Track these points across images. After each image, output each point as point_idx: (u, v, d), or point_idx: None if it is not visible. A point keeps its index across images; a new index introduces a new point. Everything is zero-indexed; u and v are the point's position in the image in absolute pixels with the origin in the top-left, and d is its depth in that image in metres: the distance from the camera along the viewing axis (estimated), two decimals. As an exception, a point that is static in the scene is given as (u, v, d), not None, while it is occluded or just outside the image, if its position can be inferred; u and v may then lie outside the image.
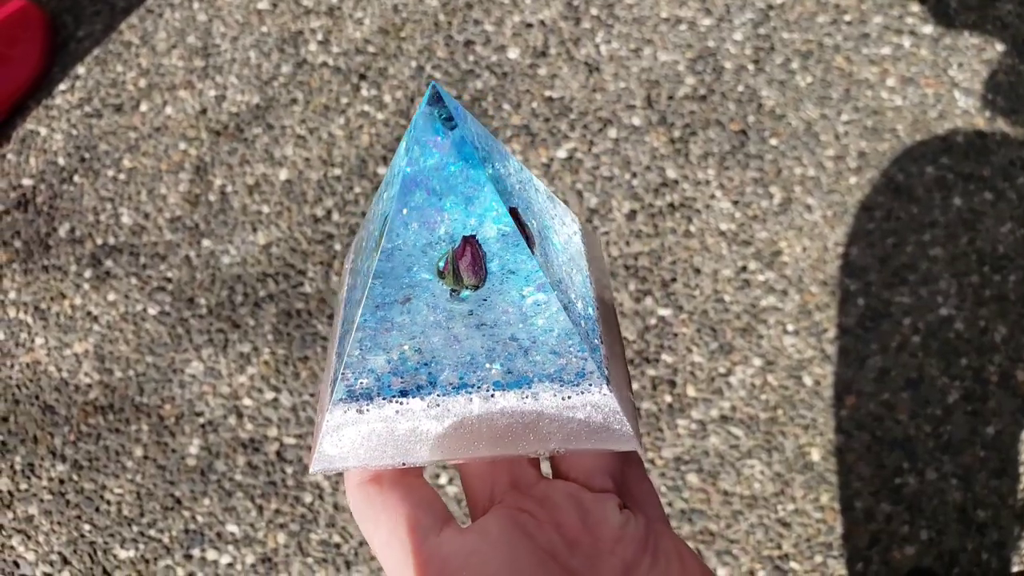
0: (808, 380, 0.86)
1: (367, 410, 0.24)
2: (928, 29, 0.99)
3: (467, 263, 0.24)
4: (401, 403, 0.24)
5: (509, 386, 0.25)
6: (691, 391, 0.86)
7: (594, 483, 0.25)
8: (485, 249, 0.24)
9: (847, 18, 1.00)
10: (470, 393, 0.25)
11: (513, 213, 0.24)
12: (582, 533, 0.24)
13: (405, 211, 0.23)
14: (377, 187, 0.95)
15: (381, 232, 0.23)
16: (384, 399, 0.24)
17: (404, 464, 0.25)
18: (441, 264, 0.24)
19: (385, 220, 0.23)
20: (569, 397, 0.25)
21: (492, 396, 0.25)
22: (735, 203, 0.93)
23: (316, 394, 0.88)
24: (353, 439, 0.24)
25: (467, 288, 0.24)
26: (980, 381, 0.85)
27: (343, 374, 0.24)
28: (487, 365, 0.25)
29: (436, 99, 0.22)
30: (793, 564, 0.80)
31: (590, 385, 0.25)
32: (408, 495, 0.25)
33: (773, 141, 0.95)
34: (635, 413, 0.26)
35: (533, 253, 0.24)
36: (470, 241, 0.24)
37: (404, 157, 0.23)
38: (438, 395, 0.24)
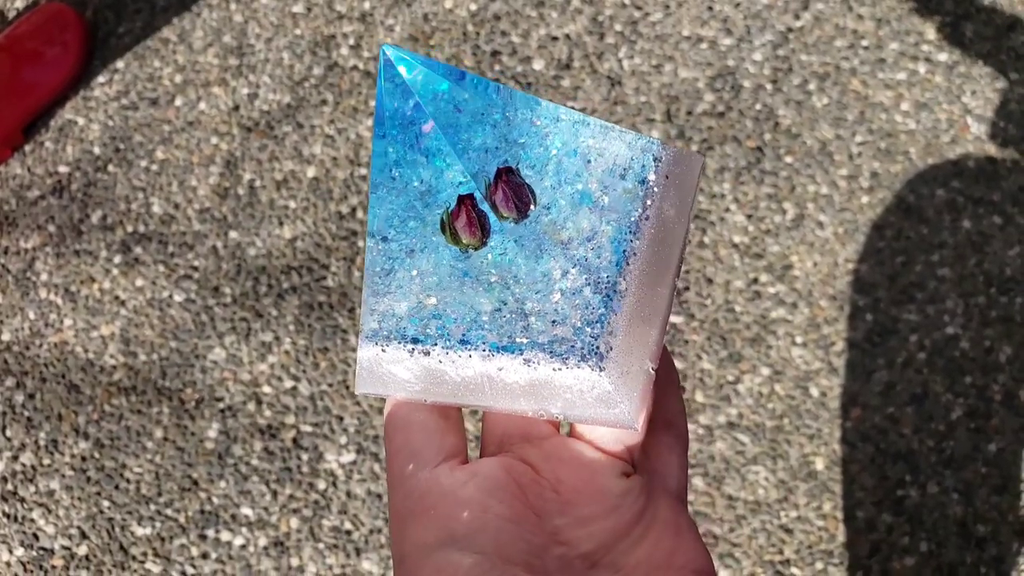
0: (815, 391, 0.88)
1: (387, 350, 0.25)
2: (943, 56, 1.02)
3: (463, 223, 0.24)
4: (412, 349, 0.25)
5: (504, 349, 0.25)
6: (699, 397, 0.88)
7: (607, 447, 0.25)
8: (485, 208, 0.24)
9: (864, 43, 1.03)
10: (470, 350, 0.25)
11: (504, 173, 0.24)
12: (578, 495, 0.24)
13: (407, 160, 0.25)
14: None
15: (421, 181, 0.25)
16: (400, 343, 0.25)
17: (425, 402, 0.25)
18: (443, 219, 0.24)
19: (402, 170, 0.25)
20: (559, 369, 0.24)
21: (490, 356, 0.25)
22: (749, 217, 0.95)
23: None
24: (380, 372, 0.26)
25: (468, 247, 0.25)
26: (984, 399, 0.87)
27: (371, 312, 0.25)
28: (488, 325, 0.25)
29: (390, 69, 0.24)
30: (794, 570, 0.82)
31: (580, 361, 0.24)
32: (425, 423, 0.25)
33: (788, 159, 0.98)
34: (647, 386, 0.24)
35: (516, 218, 0.24)
36: (465, 201, 0.24)
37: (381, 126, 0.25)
38: (442, 347, 0.25)
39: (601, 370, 0.24)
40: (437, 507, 0.23)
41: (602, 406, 0.24)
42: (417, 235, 0.25)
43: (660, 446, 0.26)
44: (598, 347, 0.24)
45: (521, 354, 0.25)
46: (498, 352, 0.25)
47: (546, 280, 0.24)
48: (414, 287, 0.25)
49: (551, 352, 0.24)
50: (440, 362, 0.25)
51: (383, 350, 0.25)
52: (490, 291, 0.25)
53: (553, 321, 0.24)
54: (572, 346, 0.24)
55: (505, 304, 0.25)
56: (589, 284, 0.24)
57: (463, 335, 0.25)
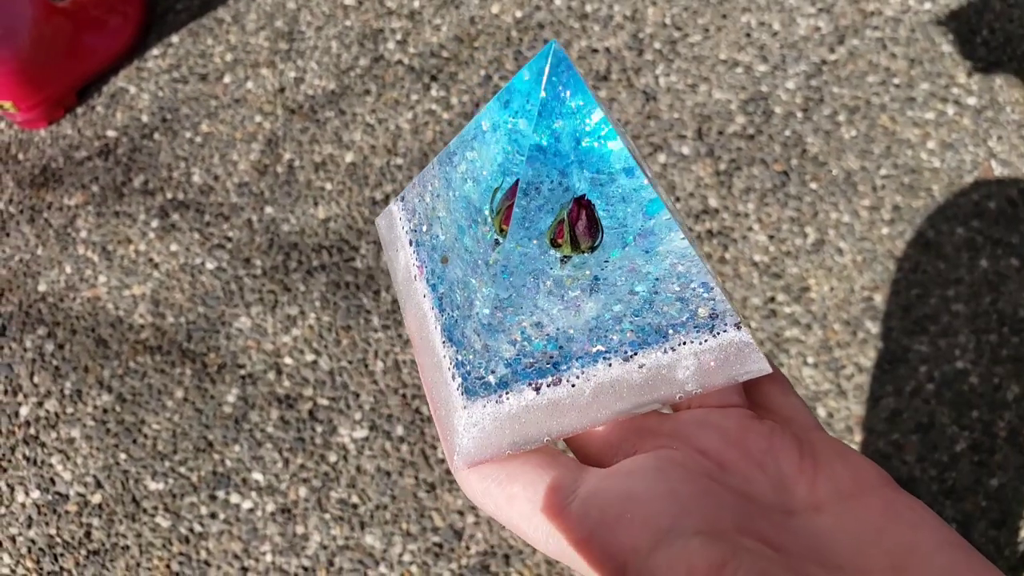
0: (822, 411, 0.89)
1: (506, 399, 0.23)
2: (972, 101, 1.04)
3: (583, 226, 0.23)
4: (538, 384, 0.23)
5: (647, 343, 0.24)
6: (709, 407, 0.90)
7: (726, 402, 0.25)
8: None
9: (896, 81, 1.05)
10: (608, 358, 0.24)
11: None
12: (727, 452, 0.23)
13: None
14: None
15: (494, 212, 0.23)
16: (521, 383, 0.23)
17: (547, 439, 0.24)
18: (552, 233, 0.22)
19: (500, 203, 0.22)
20: (706, 341, 0.24)
21: (631, 356, 0.24)
22: (770, 237, 0.97)
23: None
24: (493, 430, 0.23)
25: (583, 252, 0.23)
26: (989, 434, 0.88)
27: (473, 367, 0.23)
28: (617, 327, 0.23)
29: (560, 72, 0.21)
30: (788, 583, 0.83)
31: (724, 324, 0.24)
32: (533, 460, 0.24)
33: (813, 185, 1.00)
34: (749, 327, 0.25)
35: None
36: (582, 202, 0.22)
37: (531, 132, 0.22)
38: (576, 367, 0.24)
39: (738, 327, 0.24)
40: (629, 511, 0.22)
41: (738, 365, 0.24)
42: (499, 274, 0.23)
43: (774, 391, 0.26)
44: (732, 310, 0.24)
45: (667, 340, 0.24)
46: (639, 349, 0.24)
47: (651, 261, 0.23)
48: (507, 320, 0.23)
49: (696, 327, 0.24)
50: (572, 385, 0.24)
51: (498, 401, 0.23)
52: (598, 293, 0.23)
53: (680, 298, 0.24)
54: (712, 312, 0.24)
55: (619, 302, 0.24)
56: (702, 256, 0.24)
57: (594, 346, 0.24)
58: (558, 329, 0.23)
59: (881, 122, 1.03)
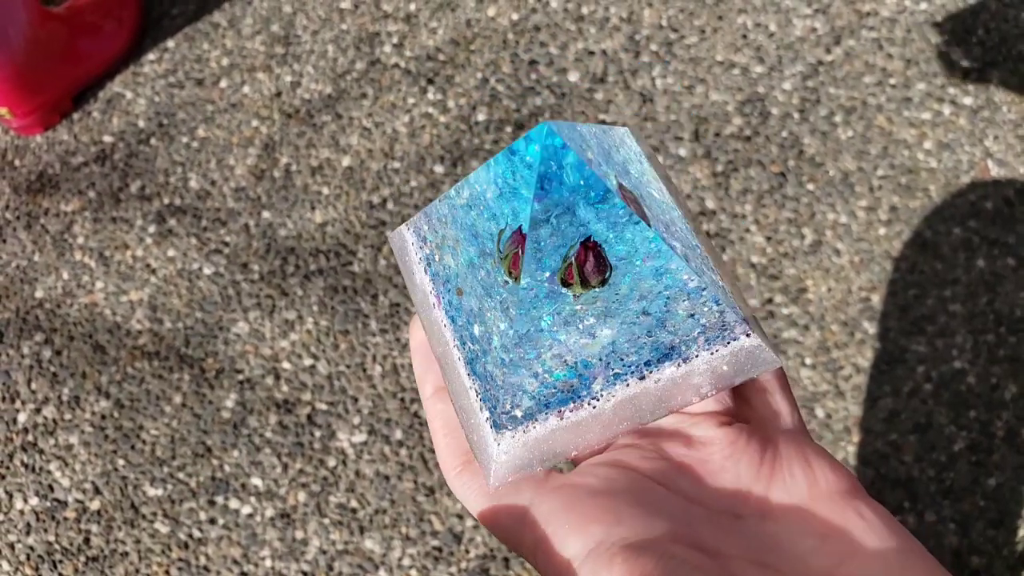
0: (820, 412, 0.89)
1: (532, 428, 0.25)
2: (968, 101, 1.04)
3: (592, 266, 0.23)
4: (561, 411, 0.25)
5: (661, 360, 0.25)
6: (707, 409, 0.90)
7: (707, 406, 0.25)
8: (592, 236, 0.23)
9: (892, 81, 1.06)
10: (626, 379, 0.25)
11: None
12: (687, 456, 0.24)
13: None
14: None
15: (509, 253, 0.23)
16: (545, 413, 0.24)
17: (574, 453, 0.25)
18: (563, 274, 0.23)
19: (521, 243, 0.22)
20: (718, 350, 0.25)
21: (648, 375, 0.25)
22: (768, 239, 0.97)
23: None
24: (523, 453, 0.25)
25: (593, 288, 0.23)
26: (987, 434, 0.88)
27: (499, 402, 0.24)
28: (632, 348, 0.24)
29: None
30: (788, 585, 0.83)
31: (735, 332, 0.25)
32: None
33: (810, 186, 1.00)
34: (757, 320, 0.26)
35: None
36: (587, 244, 0.23)
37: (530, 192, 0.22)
38: (598, 390, 0.25)
39: (748, 335, 0.25)
40: (569, 521, 0.23)
41: (750, 364, 0.25)
42: (516, 311, 0.23)
43: (755, 393, 0.26)
44: (740, 310, 0.25)
45: (681, 355, 0.25)
46: (654, 367, 0.25)
47: (659, 281, 0.24)
48: (527, 354, 0.24)
49: (707, 339, 0.25)
50: (593, 407, 0.25)
51: (525, 431, 0.24)
52: (611, 319, 0.24)
53: (690, 314, 0.24)
54: (722, 323, 0.25)
55: (633, 325, 0.24)
56: (700, 269, 0.25)
57: (612, 371, 0.25)
58: (576, 358, 0.24)
59: (878, 123, 1.03)
